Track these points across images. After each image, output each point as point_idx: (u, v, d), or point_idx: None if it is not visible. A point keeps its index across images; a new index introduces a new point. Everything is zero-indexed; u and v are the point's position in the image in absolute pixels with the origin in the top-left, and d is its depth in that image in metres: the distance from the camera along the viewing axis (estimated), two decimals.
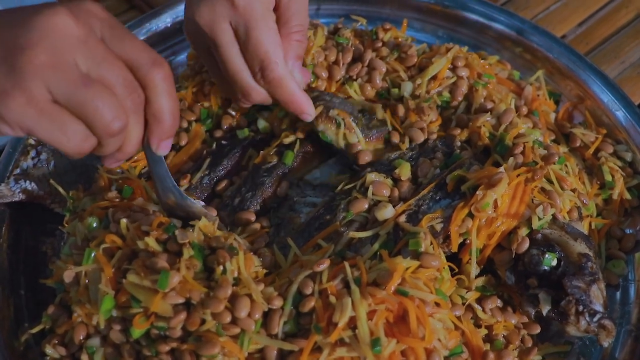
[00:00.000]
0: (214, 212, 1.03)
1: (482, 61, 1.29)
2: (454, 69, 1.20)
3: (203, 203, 1.02)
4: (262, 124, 1.18)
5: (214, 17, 0.97)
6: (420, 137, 1.12)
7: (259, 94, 1.04)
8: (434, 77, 1.19)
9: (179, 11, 1.39)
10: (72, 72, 0.73)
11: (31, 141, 1.16)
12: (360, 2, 1.48)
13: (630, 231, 1.15)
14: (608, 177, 1.16)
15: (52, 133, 0.75)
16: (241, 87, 1.03)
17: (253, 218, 1.05)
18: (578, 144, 1.21)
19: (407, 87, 1.21)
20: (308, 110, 1.07)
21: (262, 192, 1.08)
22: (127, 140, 0.82)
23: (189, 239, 0.89)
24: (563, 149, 1.19)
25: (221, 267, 0.87)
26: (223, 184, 1.12)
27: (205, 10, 0.97)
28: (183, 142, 1.18)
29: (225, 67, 1.01)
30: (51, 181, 1.10)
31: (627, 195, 1.17)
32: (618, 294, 1.10)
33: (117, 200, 1.03)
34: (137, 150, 0.86)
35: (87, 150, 0.79)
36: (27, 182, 1.10)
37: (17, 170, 1.14)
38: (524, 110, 1.21)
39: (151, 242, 0.89)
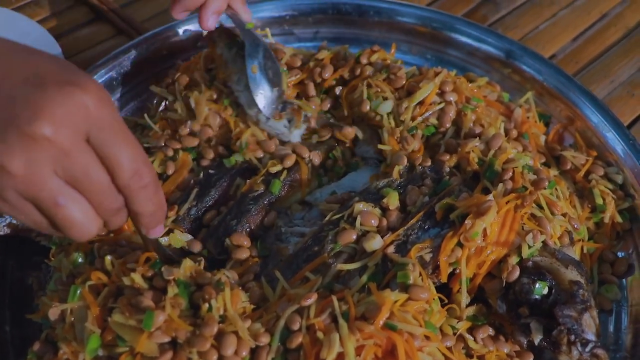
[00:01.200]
0: (198, 247, 1.02)
1: (471, 84, 1.28)
2: (442, 93, 1.19)
3: (191, 237, 1.01)
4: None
5: None
6: (404, 162, 1.13)
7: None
8: (421, 102, 1.18)
9: (168, 37, 1.39)
10: (48, 187, 0.71)
11: None
12: (347, 24, 1.48)
13: (623, 255, 1.14)
14: (599, 201, 1.15)
15: (23, 220, 0.75)
16: None
17: (247, 242, 1.04)
18: (569, 167, 1.21)
19: (385, 107, 1.20)
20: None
21: (247, 219, 1.07)
22: (109, 227, 0.81)
23: (175, 276, 0.88)
24: (553, 171, 1.18)
25: (207, 305, 0.85)
26: (210, 214, 1.11)
27: None
28: (170, 172, 1.17)
29: None
30: None
31: (619, 219, 1.16)
32: (611, 319, 1.09)
33: (103, 234, 1.01)
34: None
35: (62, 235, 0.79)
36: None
37: None
38: (514, 133, 1.20)
39: (137, 278, 0.88)
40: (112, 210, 0.77)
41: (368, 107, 1.20)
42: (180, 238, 1.00)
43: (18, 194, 0.70)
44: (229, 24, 1.28)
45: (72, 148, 0.71)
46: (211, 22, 1.20)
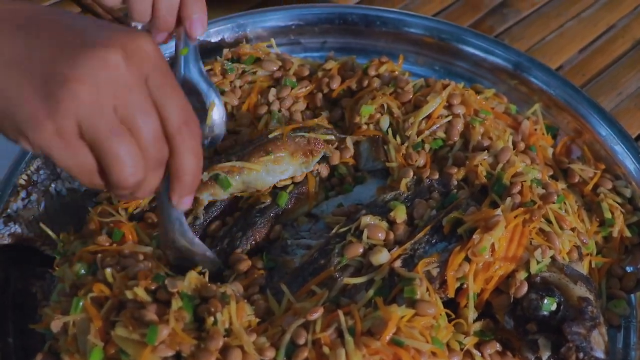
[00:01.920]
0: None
1: (478, 95, 1.27)
2: (449, 106, 1.18)
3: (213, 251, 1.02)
4: None
5: None
6: (410, 175, 1.12)
7: None
8: (428, 116, 1.17)
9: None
10: (107, 118, 0.71)
11: (22, 181, 1.14)
12: (354, 34, 1.47)
13: (631, 269, 1.13)
14: (608, 215, 1.14)
15: (70, 165, 0.74)
16: None
17: (246, 264, 1.03)
18: (576, 180, 1.20)
19: (383, 123, 1.20)
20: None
21: (252, 232, 1.06)
22: (141, 189, 0.80)
23: (179, 288, 0.87)
24: (561, 184, 1.18)
25: (212, 318, 0.84)
26: (215, 225, 1.10)
27: None
28: None
29: None
30: (41, 224, 1.08)
31: (627, 233, 1.15)
32: (620, 335, 1.08)
33: (107, 244, 1.01)
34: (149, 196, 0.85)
35: (100, 186, 0.78)
36: (16, 225, 1.08)
37: (7, 212, 1.12)
38: (521, 145, 1.19)
39: (140, 292, 0.87)
40: (155, 161, 0.77)
41: (359, 120, 1.20)
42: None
43: (76, 123, 0.70)
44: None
45: (135, 84, 0.72)
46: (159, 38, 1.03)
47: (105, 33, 0.72)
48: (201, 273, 0.93)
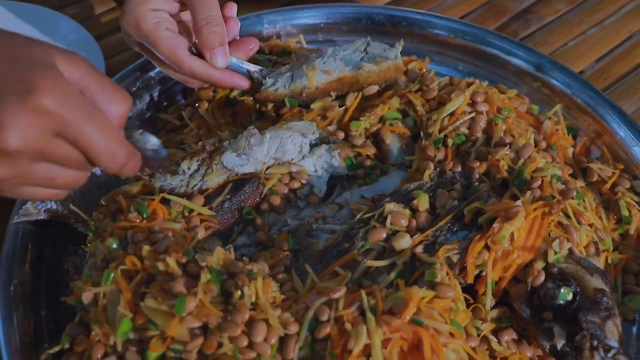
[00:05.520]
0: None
1: (502, 95, 1.30)
2: (473, 104, 1.21)
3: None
4: None
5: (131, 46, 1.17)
6: (431, 167, 1.16)
7: (194, 82, 1.26)
8: (451, 113, 1.20)
9: None
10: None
11: None
12: (381, 34, 1.51)
13: None
14: (625, 212, 1.17)
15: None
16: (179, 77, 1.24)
17: None
18: (595, 179, 1.22)
19: (409, 120, 1.26)
20: (237, 83, 1.21)
21: None
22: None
23: (208, 263, 0.91)
24: (580, 183, 1.20)
25: (239, 292, 0.88)
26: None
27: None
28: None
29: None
30: (70, 205, 1.12)
31: None
32: (634, 329, 1.10)
33: (138, 221, 1.04)
34: None
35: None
36: (52, 202, 1.12)
37: None
38: (543, 144, 1.22)
39: (172, 263, 0.91)
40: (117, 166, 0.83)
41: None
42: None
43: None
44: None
45: (44, 148, 0.75)
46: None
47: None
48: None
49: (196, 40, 1.17)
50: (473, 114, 1.21)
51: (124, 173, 0.85)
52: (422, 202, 1.05)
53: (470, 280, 0.98)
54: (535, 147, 1.19)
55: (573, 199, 1.08)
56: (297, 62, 1.27)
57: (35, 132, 0.73)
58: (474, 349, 0.95)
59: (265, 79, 1.24)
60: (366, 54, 1.24)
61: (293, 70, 1.24)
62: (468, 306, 0.99)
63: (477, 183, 1.11)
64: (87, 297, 0.94)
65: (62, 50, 0.78)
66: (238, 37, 1.25)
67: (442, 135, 1.20)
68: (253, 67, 1.25)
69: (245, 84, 1.23)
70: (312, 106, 1.26)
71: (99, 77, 0.81)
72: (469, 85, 1.25)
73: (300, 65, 1.24)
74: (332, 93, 1.25)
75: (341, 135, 1.22)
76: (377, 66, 1.21)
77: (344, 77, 1.22)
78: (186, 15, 1.22)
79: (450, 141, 1.19)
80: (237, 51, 1.22)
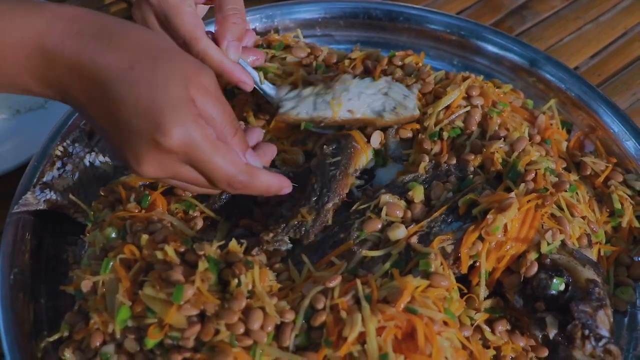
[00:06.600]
0: None
1: (497, 90, 1.32)
2: (468, 97, 1.23)
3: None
4: None
5: (142, 15, 1.15)
6: (426, 159, 1.17)
7: None
8: (447, 107, 1.22)
9: None
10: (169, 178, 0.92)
11: (58, 152, 1.20)
12: (377, 29, 1.52)
13: (639, 259, 1.16)
14: (617, 205, 1.18)
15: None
16: None
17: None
18: (588, 172, 1.23)
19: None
20: (243, 79, 1.19)
21: (337, 185, 1.10)
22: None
23: (206, 251, 0.92)
24: (574, 176, 1.21)
25: (236, 280, 0.89)
26: None
27: (137, 12, 1.16)
28: None
29: None
30: (70, 195, 1.14)
31: (636, 223, 1.18)
32: (626, 320, 1.11)
33: (137, 211, 1.06)
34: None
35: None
36: (52, 192, 1.14)
37: (44, 180, 1.17)
38: (537, 138, 1.23)
39: (170, 251, 0.92)
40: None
41: None
42: None
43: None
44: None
45: (175, 174, 0.90)
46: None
47: (137, 150, 0.86)
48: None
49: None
50: (468, 108, 1.22)
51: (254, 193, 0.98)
52: (417, 194, 1.07)
53: (464, 270, 1.00)
54: (530, 141, 1.21)
55: (566, 191, 1.09)
56: (320, 87, 1.25)
57: (165, 167, 0.87)
58: (467, 338, 0.96)
59: (280, 100, 1.25)
60: (386, 95, 1.25)
61: (315, 97, 1.23)
62: (462, 296, 1.00)
63: (471, 175, 1.12)
64: (86, 285, 0.95)
65: (197, 72, 0.87)
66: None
67: (437, 128, 1.21)
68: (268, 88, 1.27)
69: (249, 84, 1.21)
70: None
71: (225, 108, 0.91)
72: (464, 79, 1.27)
73: (323, 93, 1.23)
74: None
75: None
76: (396, 117, 1.22)
77: (364, 118, 1.23)
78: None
79: (445, 134, 1.21)
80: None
